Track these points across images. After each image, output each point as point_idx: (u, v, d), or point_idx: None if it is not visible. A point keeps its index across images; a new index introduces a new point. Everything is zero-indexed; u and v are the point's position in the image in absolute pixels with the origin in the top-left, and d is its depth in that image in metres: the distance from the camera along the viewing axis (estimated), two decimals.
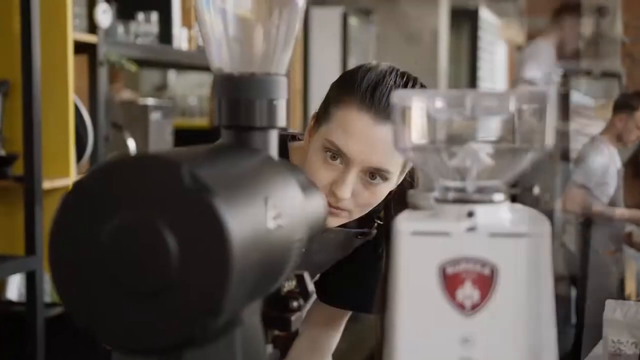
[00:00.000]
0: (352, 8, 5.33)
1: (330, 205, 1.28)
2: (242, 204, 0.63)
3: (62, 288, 0.62)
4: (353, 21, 5.47)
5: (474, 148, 0.70)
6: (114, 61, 2.67)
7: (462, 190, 0.69)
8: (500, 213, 0.68)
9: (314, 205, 0.82)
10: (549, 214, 4.07)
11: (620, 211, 4.15)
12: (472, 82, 7.50)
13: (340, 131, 1.27)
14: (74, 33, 2.54)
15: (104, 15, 2.64)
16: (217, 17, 0.80)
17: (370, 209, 1.33)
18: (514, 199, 4.04)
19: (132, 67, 2.74)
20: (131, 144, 2.95)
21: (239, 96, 0.78)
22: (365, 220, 1.43)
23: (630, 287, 6.91)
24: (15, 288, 2.70)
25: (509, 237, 0.66)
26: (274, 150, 0.80)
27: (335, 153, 1.28)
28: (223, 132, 0.80)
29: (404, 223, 0.67)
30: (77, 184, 0.62)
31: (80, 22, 2.63)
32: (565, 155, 4.32)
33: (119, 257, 0.60)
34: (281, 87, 0.80)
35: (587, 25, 8.99)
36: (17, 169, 2.43)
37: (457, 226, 0.66)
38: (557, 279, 4.06)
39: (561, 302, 4.09)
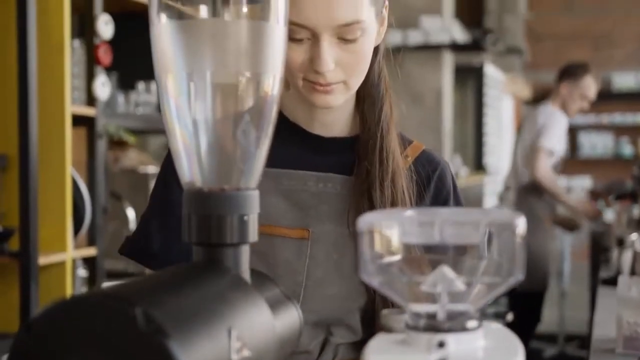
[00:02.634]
0: None
1: (320, 84, 1.16)
2: (202, 341, 0.61)
3: None
4: None
5: (445, 272, 0.68)
6: (113, 133, 2.67)
7: (433, 316, 0.67)
8: (474, 341, 0.66)
9: (286, 322, 0.80)
10: None
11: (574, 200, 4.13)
12: (478, 137, 7.51)
13: (289, 5, 1.18)
14: (73, 106, 2.54)
15: (103, 87, 2.65)
16: (187, 130, 0.79)
17: (365, 71, 1.20)
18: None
19: (131, 139, 2.75)
20: (130, 214, 2.94)
21: (210, 213, 0.77)
22: None
23: None
24: None
25: None
26: (245, 265, 0.78)
27: (295, 32, 1.13)
28: (194, 249, 0.79)
29: (372, 354, 0.65)
30: (30, 324, 0.60)
31: (79, 94, 2.63)
32: None
33: None
34: (252, 202, 0.78)
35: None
36: (14, 243, 2.41)
37: (427, 358, 0.64)
38: None
39: None
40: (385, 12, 1.24)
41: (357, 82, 1.21)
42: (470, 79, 7.28)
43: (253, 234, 0.78)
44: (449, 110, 5.82)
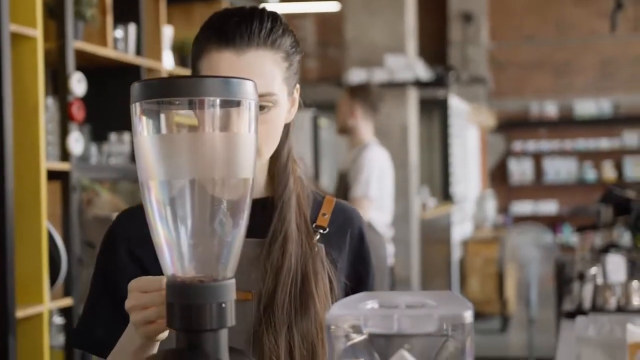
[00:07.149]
0: (322, 109, 5.51)
1: None
2: None
3: None
4: (323, 122, 5.63)
5: (404, 356, 0.77)
6: (86, 186, 2.74)
7: None
8: None
9: None
10: None
11: None
12: (445, 168, 7.64)
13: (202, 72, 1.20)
14: (47, 162, 2.61)
15: (76, 143, 2.72)
16: (169, 228, 0.87)
17: (276, 141, 1.26)
18: None
19: (103, 191, 2.82)
20: None
21: (190, 302, 0.86)
22: None
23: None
24: None
25: None
26: (224, 348, 0.87)
27: None
28: (177, 335, 0.87)
29: None
30: None
31: (53, 150, 2.70)
32: None
33: None
34: (229, 290, 0.87)
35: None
36: None
37: None
38: None
39: None
40: (296, 94, 1.31)
41: (268, 150, 1.26)
42: (435, 111, 7.43)
43: (231, 319, 0.87)
44: (415, 144, 5.94)
